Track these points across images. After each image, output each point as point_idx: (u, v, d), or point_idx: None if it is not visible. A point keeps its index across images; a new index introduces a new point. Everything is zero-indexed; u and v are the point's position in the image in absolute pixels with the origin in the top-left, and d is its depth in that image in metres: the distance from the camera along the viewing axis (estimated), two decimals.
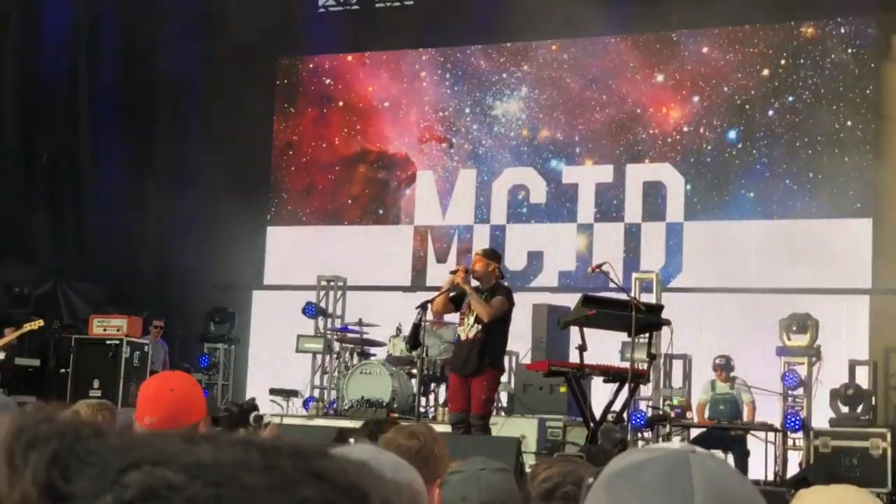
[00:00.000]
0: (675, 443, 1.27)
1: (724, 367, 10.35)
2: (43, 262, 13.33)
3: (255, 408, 5.57)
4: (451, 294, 7.88)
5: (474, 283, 7.93)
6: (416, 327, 8.15)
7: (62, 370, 11.80)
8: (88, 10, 13.95)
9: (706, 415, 10.39)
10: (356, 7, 14.38)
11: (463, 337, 7.92)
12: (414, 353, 9.42)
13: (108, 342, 11.35)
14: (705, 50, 12.70)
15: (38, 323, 10.50)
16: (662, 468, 1.12)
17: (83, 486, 0.66)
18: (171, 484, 0.65)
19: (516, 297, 8.10)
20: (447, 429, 8.06)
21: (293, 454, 0.68)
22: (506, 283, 8.34)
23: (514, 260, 12.91)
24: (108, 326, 11.55)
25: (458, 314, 8.10)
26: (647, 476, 1.12)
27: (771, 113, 12.36)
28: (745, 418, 10.18)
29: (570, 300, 9.55)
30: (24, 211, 13.41)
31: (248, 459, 0.67)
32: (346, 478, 0.68)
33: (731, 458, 10.00)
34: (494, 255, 8.24)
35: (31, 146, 13.62)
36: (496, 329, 7.77)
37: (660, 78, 12.86)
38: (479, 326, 7.73)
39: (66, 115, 13.80)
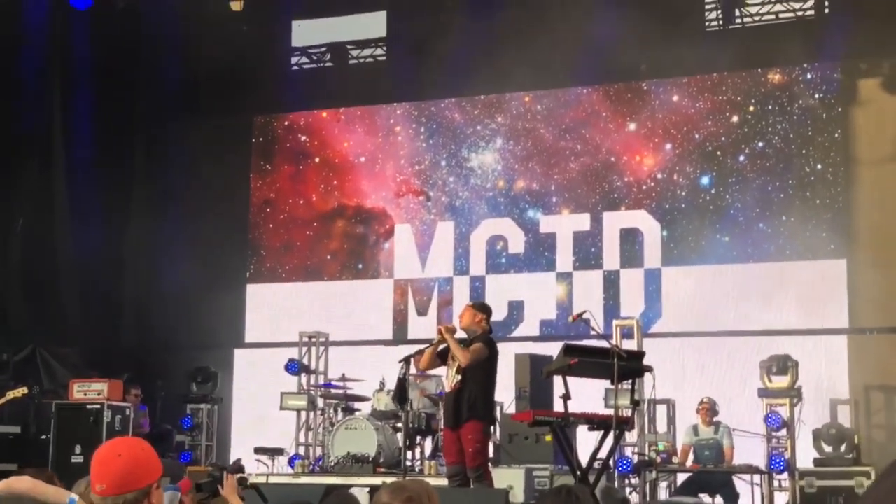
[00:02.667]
0: None
1: (710, 410, 10.41)
2: (21, 327, 13.23)
3: (241, 469, 5.35)
4: (439, 349, 7.95)
5: (460, 334, 8.02)
6: (402, 382, 8.19)
7: (43, 436, 11.67)
8: (64, 75, 14.00)
9: (691, 458, 10.42)
10: (329, 64, 14.53)
11: (447, 388, 8.04)
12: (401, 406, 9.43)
13: (88, 407, 11.25)
14: (675, 98, 12.92)
15: (21, 390, 10.30)
16: None
17: None
18: None
19: (498, 346, 8.16)
20: (436, 481, 8.05)
21: None
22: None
23: (495, 310, 12.82)
24: (89, 391, 11.43)
25: (444, 368, 8.15)
26: None
27: (742, 158, 12.55)
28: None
29: (552, 349, 9.58)
30: None
31: None
32: None
33: (720, 502, 10.03)
34: (483, 307, 8.36)
35: (6, 211, 13.58)
36: (476, 378, 7.82)
37: (632, 126, 13.05)
38: (459, 377, 7.81)
39: (40, 180, 13.78)
